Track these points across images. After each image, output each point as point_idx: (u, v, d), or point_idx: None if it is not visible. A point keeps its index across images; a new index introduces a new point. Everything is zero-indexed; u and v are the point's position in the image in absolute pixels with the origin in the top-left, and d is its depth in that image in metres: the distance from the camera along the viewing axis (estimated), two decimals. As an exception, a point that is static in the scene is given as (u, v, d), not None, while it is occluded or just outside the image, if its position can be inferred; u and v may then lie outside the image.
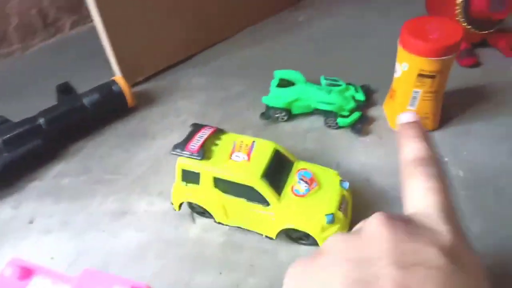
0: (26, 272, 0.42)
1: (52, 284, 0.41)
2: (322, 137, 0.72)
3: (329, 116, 0.71)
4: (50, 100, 0.78)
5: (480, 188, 0.61)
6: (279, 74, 0.76)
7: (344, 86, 0.74)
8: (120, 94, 0.81)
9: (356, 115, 0.71)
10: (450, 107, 0.73)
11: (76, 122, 0.77)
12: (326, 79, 0.76)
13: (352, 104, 0.71)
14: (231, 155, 0.55)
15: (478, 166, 0.64)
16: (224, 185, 0.55)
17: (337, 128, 0.72)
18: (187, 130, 0.59)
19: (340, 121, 0.71)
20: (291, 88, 0.73)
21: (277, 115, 0.75)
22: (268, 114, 0.74)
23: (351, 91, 0.74)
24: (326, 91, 0.72)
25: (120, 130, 0.79)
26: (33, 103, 0.78)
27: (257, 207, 0.54)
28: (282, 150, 0.57)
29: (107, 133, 0.79)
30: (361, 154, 0.68)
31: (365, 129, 0.72)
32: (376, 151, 0.69)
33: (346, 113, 0.71)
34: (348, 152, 0.69)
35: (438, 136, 0.70)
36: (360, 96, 0.73)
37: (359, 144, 0.70)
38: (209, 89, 0.87)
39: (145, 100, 0.86)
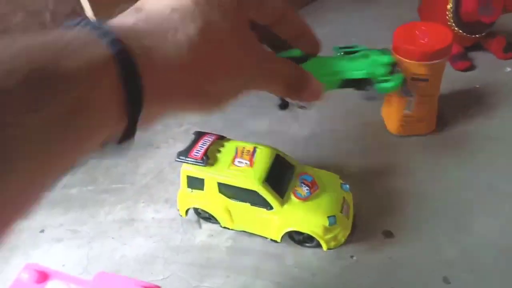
0: (42, 276, 0.44)
1: (67, 287, 0.43)
2: (323, 142, 0.74)
3: (366, 84, 0.52)
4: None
5: (478, 188, 0.63)
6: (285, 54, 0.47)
7: (365, 50, 0.56)
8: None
9: (399, 77, 0.53)
10: (447, 110, 0.75)
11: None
12: (340, 48, 0.55)
13: (386, 68, 0.53)
14: (233, 160, 0.57)
15: (475, 167, 0.66)
16: (228, 190, 0.57)
17: (377, 99, 0.61)
18: (190, 138, 0.61)
19: (382, 87, 0.52)
20: (306, 63, 0.47)
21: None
22: (285, 102, 0.57)
23: (376, 55, 0.55)
24: (348, 59, 0.53)
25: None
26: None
27: (261, 211, 0.56)
28: (283, 155, 0.59)
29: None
30: (361, 158, 0.70)
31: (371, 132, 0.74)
32: (375, 155, 0.71)
33: (384, 78, 0.52)
34: (349, 157, 0.71)
35: (436, 138, 0.72)
36: (388, 59, 0.54)
37: (359, 149, 0.72)
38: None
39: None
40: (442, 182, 0.64)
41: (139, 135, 0.85)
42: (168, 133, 0.82)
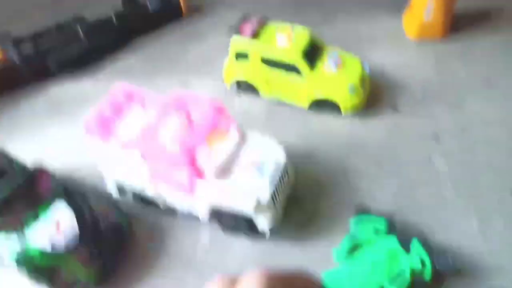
0: (129, 95, 0.59)
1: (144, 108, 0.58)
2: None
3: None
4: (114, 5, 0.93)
5: (475, 80, 0.75)
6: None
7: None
8: (177, 3, 0.96)
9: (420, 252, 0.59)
10: (459, 22, 0.86)
11: (141, 22, 0.94)
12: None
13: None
14: (276, 38, 0.70)
15: (478, 67, 0.78)
16: (269, 62, 0.70)
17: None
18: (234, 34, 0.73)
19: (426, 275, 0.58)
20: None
21: None
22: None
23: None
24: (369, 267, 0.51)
25: (176, 32, 0.97)
26: (100, 7, 0.94)
27: (294, 77, 0.69)
28: (315, 36, 0.72)
29: (165, 33, 0.95)
30: (385, 57, 0.83)
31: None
32: (392, 54, 0.83)
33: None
34: (371, 52, 0.83)
35: (447, 42, 0.84)
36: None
37: (381, 46, 0.84)
38: (249, 2, 1.02)
39: (194, 10, 1.01)
40: (447, 76, 0.76)
41: (189, 28, 1.09)
42: (215, 29, 0.95)
